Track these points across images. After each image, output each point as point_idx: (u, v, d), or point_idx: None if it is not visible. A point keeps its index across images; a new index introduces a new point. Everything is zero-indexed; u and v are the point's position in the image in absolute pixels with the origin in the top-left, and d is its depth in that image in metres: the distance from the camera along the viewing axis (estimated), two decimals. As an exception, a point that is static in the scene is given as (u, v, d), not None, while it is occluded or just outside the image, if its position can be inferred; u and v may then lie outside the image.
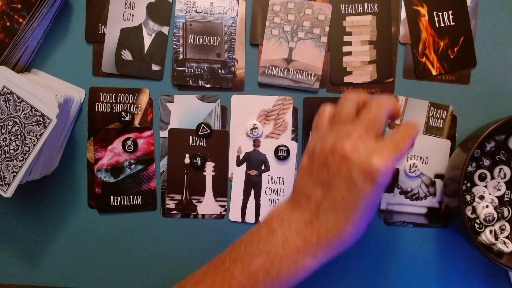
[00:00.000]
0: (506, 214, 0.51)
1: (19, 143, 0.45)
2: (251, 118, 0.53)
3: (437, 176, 0.53)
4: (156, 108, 0.54)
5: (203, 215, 0.54)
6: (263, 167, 0.54)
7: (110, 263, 0.55)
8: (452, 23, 0.52)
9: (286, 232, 0.39)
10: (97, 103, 0.53)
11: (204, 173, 0.54)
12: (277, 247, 0.39)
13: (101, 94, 0.53)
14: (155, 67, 0.53)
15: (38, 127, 0.45)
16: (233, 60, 0.53)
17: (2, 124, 0.46)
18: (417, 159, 0.53)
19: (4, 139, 0.46)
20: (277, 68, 0.52)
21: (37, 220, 0.55)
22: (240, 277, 0.39)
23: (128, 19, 0.53)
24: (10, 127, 0.46)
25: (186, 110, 0.54)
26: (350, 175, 0.37)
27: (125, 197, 0.54)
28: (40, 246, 0.55)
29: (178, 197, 0.54)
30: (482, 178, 0.51)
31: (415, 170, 0.52)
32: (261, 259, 0.39)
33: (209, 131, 0.53)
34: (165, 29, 0.53)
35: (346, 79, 0.53)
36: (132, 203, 0.54)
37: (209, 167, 0.54)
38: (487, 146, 0.50)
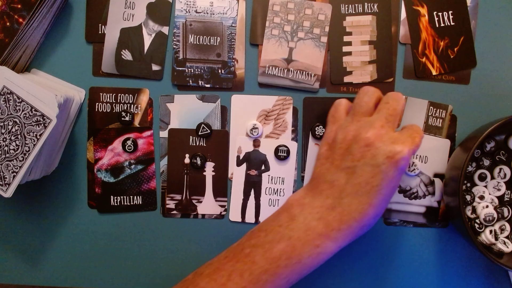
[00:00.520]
0: (506, 214, 0.51)
1: (19, 143, 0.45)
2: (251, 118, 0.53)
3: (436, 175, 0.53)
4: (156, 108, 0.54)
5: (203, 215, 0.54)
6: (263, 167, 0.54)
7: (110, 263, 0.55)
8: (452, 23, 0.52)
9: (308, 217, 0.40)
10: (97, 103, 0.53)
11: (204, 173, 0.54)
12: (299, 232, 0.39)
13: (101, 94, 0.53)
14: (155, 67, 0.53)
15: (38, 127, 0.45)
16: (233, 60, 0.53)
17: (2, 124, 0.46)
18: (416, 158, 0.53)
19: (4, 139, 0.46)
20: (277, 68, 0.52)
21: (37, 220, 0.55)
22: (261, 263, 0.40)
23: (128, 19, 0.53)
24: (10, 127, 0.46)
25: (186, 110, 0.54)
26: (376, 160, 0.39)
27: (125, 197, 0.54)
28: (40, 246, 0.55)
29: (178, 197, 0.54)
30: (482, 178, 0.51)
31: (414, 169, 0.52)
32: (283, 244, 0.39)
33: (209, 131, 0.53)
34: (165, 29, 0.53)
35: (346, 79, 0.53)
36: (132, 203, 0.54)
37: (209, 167, 0.54)
38: (487, 146, 0.50)
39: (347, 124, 0.43)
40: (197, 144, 0.54)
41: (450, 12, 0.52)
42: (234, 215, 0.54)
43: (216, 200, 0.54)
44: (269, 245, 0.40)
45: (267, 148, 0.53)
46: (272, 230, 0.41)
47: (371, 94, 0.44)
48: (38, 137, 0.45)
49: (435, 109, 0.52)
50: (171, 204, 0.54)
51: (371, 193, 0.39)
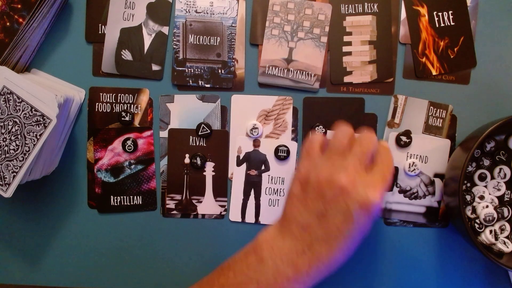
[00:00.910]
0: (506, 214, 0.51)
1: (19, 143, 0.45)
2: (251, 118, 0.53)
3: (436, 175, 0.53)
4: (156, 108, 0.54)
5: (203, 215, 0.54)
6: (263, 167, 0.54)
7: (110, 263, 0.55)
8: (452, 23, 0.52)
9: (277, 261, 0.40)
10: (97, 103, 0.53)
11: (204, 173, 0.54)
12: (267, 276, 0.39)
13: (101, 94, 0.53)
14: (155, 67, 0.53)
15: (38, 127, 0.45)
16: (233, 60, 0.53)
17: (2, 124, 0.46)
18: (416, 158, 0.53)
19: (4, 139, 0.46)
20: (277, 68, 0.52)
21: (37, 220, 0.55)
22: None
23: (128, 19, 0.53)
24: (10, 127, 0.46)
25: (186, 110, 0.54)
26: (348, 207, 0.38)
27: (125, 197, 0.54)
28: (40, 246, 0.55)
29: (178, 197, 0.54)
30: (482, 178, 0.51)
31: (414, 169, 0.52)
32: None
33: (209, 131, 0.53)
34: (165, 29, 0.53)
35: (346, 79, 0.53)
36: (132, 203, 0.54)
37: (209, 167, 0.54)
38: (487, 146, 0.50)
39: (321, 164, 0.41)
40: (197, 144, 0.54)
41: (450, 12, 0.52)
42: (234, 215, 0.54)
43: (216, 200, 0.54)
44: (238, 287, 0.40)
45: (267, 148, 0.53)
46: (241, 272, 0.41)
47: (346, 133, 0.43)
48: (38, 137, 0.45)
49: (435, 109, 0.52)
50: (171, 204, 0.54)
51: (341, 238, 0.39)
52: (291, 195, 0.42)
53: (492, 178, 0.51)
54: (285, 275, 0.39)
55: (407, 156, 0.53)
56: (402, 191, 0.53)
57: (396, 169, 0.53)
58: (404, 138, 0.52)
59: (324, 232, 0.39)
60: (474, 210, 0.51)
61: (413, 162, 0.52)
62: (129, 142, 0.53)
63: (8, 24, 0.48)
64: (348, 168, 0.40)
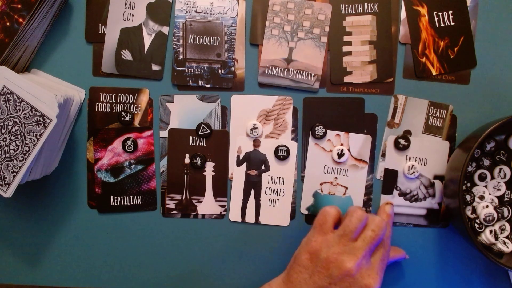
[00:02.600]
0: (506, 214, 0.51)
1: (19, 143, 0.45)
2: (251, 118, 0.53)
3: (436, 177, 0.53)
4: (156, 108, 0.54)
5: (203, 215, 0.54)
6: (263, 167, 0.54)
7: (110, 263, 0.55)
8: (452, 23, 0.52)
9: None
10: (97, 103, 0.53)
11: (204, 173, 0.54)
12: None
13: (101, 94, 0.53)
14: (155, 67, 0.53)
15: (38, 127, 0.45)
16: (233, 60, 0.53)
17: (2, 124, 0.46)
18: (415, 160, 0.53)
19: (4, 139, 0.46)
20: (277, 68, 0.52)
21: (37, 220, 0.55)
22: None
23: (128, 19, 0.53)
24: (10, 127, 0.46)
25: (186, 110, 0.54)
26: None
27: (125, 197, 0.54)
28: (40, 246, 0.55)
29: (178, 197, 0.54)
30: (482, 178, 0.51)
31: (414, 172, 0.52)
32: None
33: (209, 131, 0.53)
34: (165, 29, 0.53)
35: (346, 79, 0.53)
36: (132, 203, 0.54)
37: (209, 167, 0.54)
38: (487, 146, 0.50)
39: (333, 242, 0.45)
40: (197, 144, 0.54)
41: (450, 12, 0.52)
42: (234, 215, 0.54)
43: (216, 200, 0.54)
44: None
45: (267, 148, 0.53)
46: None
47: (360, 217, 0.46)
48: (38, 137, 0.45)
49: (435, 109, 0.52)
50: (171, 204, 0.54)
51: None
52: (299, 262, 0.46)
53: (492, 178, 0.51)
54: None
55: (406, 159, 0.53)
56: (402, 194, 0.53)
57: (396, 172, 0.53)
58: (402, 141, 0.52)
59: None
60: (474, 210, 0.51)
61: (413, 165, 0.52)
62: (129, 142, 0.53)
63: (8, 24, 0.48)
64: (357, 254, 0.43)
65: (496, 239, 0.50)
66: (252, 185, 0.54)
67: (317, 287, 0.44)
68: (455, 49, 0.52)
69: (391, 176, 0.53)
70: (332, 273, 0.43)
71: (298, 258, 0.46)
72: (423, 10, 0.52)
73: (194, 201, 0.54)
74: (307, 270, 0.45)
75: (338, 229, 0.46)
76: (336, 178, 0.53)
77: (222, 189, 0.54)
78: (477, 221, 0.50)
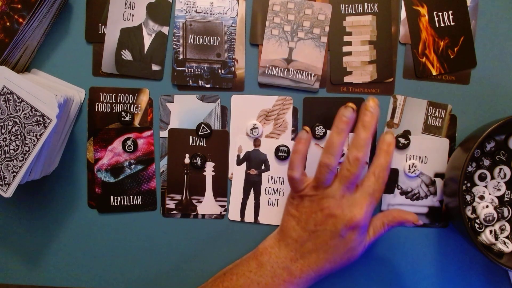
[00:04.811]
0: (506, 214, 0.51)
1: (19, 143, 0.45)
2: (251, 118, 0.53)
3: (437, 175, 0.53)
4: (156, 108, 0.54)
5: (203, 215, 0.54)
6: (263, 167, 0.54)
7: (110, 263, 0.55)
8: (452, 23, 0.52)
9: (275, 266, 0.47)
10: (97, 103, 0.53)
11: (204, 173, 0.54)
12: (266, 278, 0.46)
13: (101, 94, 0.53)
14: (155, 67, 0.53)
15: (38, 127, 0.45)
16: (233, 60, 0.53)
17: (2, 124, 0.46)
18: (416, 159, 0.53)
19: (4, 139, 0.46)
20: (277, 68, 0.52)
21: (37, 220, 0.55)
22: None
23: (128, 19, 0.53)
24: (10, 127, 0.46)
25: (186, 110, 0.54)
26: (335, 227, 0.45)
27: (125, 197, 0.54)
28: (40, 246, 0.55)
29: (178, 197, 0.54)
30: (482, 178, 0.51)
31: (414, 170, 0.52)
32: None
33: (209, 131, 0.53)
34: (165, 29, 0.53)
35: (346, 79, 0.53)
36: (132, 203, 0.54)
37: (209, 167, 0.54)
38: (487, 146, 0.50)
39: (312, 192, 0.47)
40: (197, 144, 0.54)
41: (450, 12, 0.52)
42: (234, 214, 0.54)
43: (216, 200, 0.54)
44: None
45: (267, 148, 0.53)
46: (243, 275, 0.47)
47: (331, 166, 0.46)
48: (38, 137, 0.45)
49: (434, 109, 0.52)
50: (171, 204, 0.54)
51: (329, 251, 0.46)
52: (287, 212, 0.48)
53: (492, 178, 0.51)
54: (282, 278, 0.46)
55: (407, 158, 0.53)
56: (404, 193, 0.53)
57: (396, 171, 0.53)
58: (402, 140, 0.52)
59: (314, 245, 0.46)
60: (474, 210, 0.51)
61: (413, 163, 0.52)
62: (129, 142, 0.53)
63: (8, 24, 0.48)
64: (335, 195, 0.45)
65: (496, 239, 0.50)
66: (252, 184, 0.54)
67: (305, 231, 0.46)
68: (455, 49, 0.52)
69: (392, 175, 0.53)
70: (316, 217, 0.46)
71: (286, 210, 0.49)
72: (423, 10, 0.52)
73: (194, 201, 0.54)
74: (294, 218, 0.47)
75: (314, 179, 0.47)
76: (336, 178, 0.53)
77: (222, 189, 0.54)
78: (477, 221, 0.50)
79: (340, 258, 0.46)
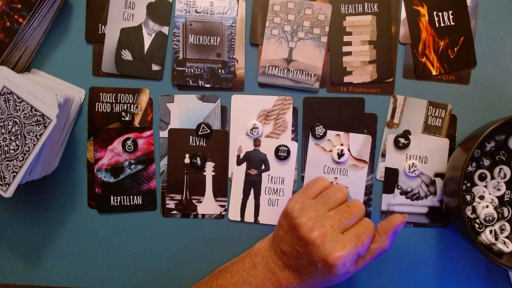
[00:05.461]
0: (506, 214, 0.51)
1: (19, 143, 0.45)
2: (251, 118, 0.53)
3: (437, 175, 0.53)
4: (156, 108, 0.54)
5: (203, 215, 0.54)
6: (263, 167, 0.54)
7: (110, 263, 0.55)
8: (452, 23, 0.52)
9: (266, 269, 0.47)
10: (97, 103, 0.53)
11: (204, 173, 0.54)
12: (258, 279, 0.47)
13: (101, 94, 0.53)
14: (155, 67, 0.53)
15: (38, 127, 0.45)
16: (233, 60, 0.53)
17: (2, 124, 0.46)
18: (416, 159, 0.53)
19: (4, 139, 0.46)
20: (277, 68, 0.52)
21: (37, 220, 0.55)
22: None
23: (128, 19, 0.53)
24: (10, 127, 0.46)
25: (186, 110, 0.54)
26: (312, 257, 0.43)
27: (125, 197, 0.54)
28: (40, 246, 0.55)
29: (178, 197, 0.54)
30: (482, 178, 0.51)
31: (414, 170, 0.52)
32: (244, 287, 0.47)
33: (209, 131, 0.53)
34: (165, 29, 0.53)
35: (346, 79, 0.53)
36: (132, 203, 0.54)
37: (209, 167, 0.54)
38: (487, 146, 0.50)
39: (307, 207, 0.45)
40: (197, 144, 0.54)
41: (450, 12, 0.52)
42: (233, 214, 0.54)
43: (216, 200, 0.54)
44: (233, 287, 0.47)
45: (267, 148, 0.53)
46: (237, 273, 0.47)
47: (344, 192, 0.46)
48: (38, 137, 0.45)
49: (434, 108, 0.52)
50: (171, 204, 0.54)
51: (310, 273, 0.44)
52: (279, 220, 0.47)
53: (492, 178, 0.51)
54: (271, 281, 0.46)
55: (407, 157, 0.53)
56: (404, 193, 0.53)
57: (396, 171, 0.53)
58: (402, 140, 0.52)
59: (296, 264, 0.45)
60: (474, 210, 0.51)
61: (413, 163, 0.52)
62: (129, 142, 0.53)
63: (8, 24, 0.48)
64: (325, 223, 0.43)
65: (496, 239, 0.50)
66: (252, 184, 0.54)
67: (290, 247, 0.45)
68: (455, 49, 0.52)
69: (392, 175, 0.53)
70: (298, 235, 0.44)
71: (280, 216, 0.48)
72: (423, 10, 0.52)
73: (194, 201, 0.54)
74: (282, 228, 0.46)
75: (319, 195, 0.47)
76: (336, 178, 0.53)
77: (222, 189, 0.54)
78: (477, 221, 0.50)
79: (321, 283, 0.45)
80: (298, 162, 0.53)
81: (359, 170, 0.53)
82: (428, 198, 0.53)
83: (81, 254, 0.55)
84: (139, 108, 0.53)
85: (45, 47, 0.53)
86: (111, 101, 0.53)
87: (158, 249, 0.54)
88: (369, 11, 0.52)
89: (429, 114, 0.53)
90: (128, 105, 0.53)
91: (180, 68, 0.53)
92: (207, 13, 0.52)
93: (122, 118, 0.53)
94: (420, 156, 0.53)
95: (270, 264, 0.47)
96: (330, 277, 0.44)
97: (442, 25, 0.52)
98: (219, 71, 0.53)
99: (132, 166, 0.54)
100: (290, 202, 0.47)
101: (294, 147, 0.53)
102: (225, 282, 0.47)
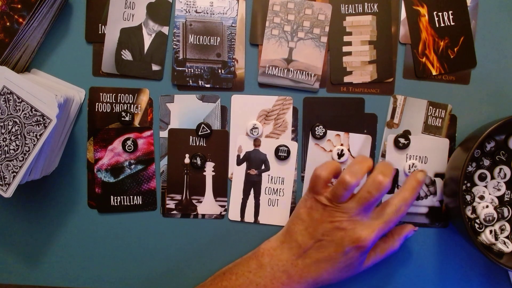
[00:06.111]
0: (506, 214, 0.51)
1: (19, 143, 0.45)
2: (251, 118, 0.53)
3: (437, 175, 0.53)
4: (156, 108, 0.54)
5: (203, 215, 0.54)
6: (263, 167, 0.54)
7: (110, 263, 0.55)
8: (452, 23, 0.52)
9: (275, 268, 0.47)
10: (97, 103, 0.53)
11: (204, 173, 0.54)
12: (265, 280, 0.46)
13: (101, 94, 0.53)
14: (155, 67, 0.53)
15: (38, 127, 0.45)
16: (233, 60, 0.53)
17: (2, 124, 0.46)
18: (416, 158, 0.53)
19: (4, 139, 0.46)
20: (277, 68, 0.52)
21: (37, 220, 0.55)
22: None
23: (128, 19, 0.53)
24: (10, 127, 0.46)
25: (186, 110, 0.54)
26: (342, 242, 0.45)
27: (125, 197, 0.54)
28: (40, 246, 0.55)
29: (178, 197, 0.54)
30: (482, 178, 0.51)
31: (414, 170, 0.52)
32: None
33: (209, 131, 0.53)
34: (165, 29, 0.53)
35: (346, 79, 0.53)
36: (132, 203, 0.54)
37: (209, 167, 0.54)
38: (487, 146, 0.50)
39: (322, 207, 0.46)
40: (197, 144, 0.54)
41: (450, 12, 0.52)
42: (233, 214, 0.54)
43: (216, 200, 0.54)
44: None
45: (267, 148, 0.53)
46: (242, 275, 0.47)
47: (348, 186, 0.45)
48: (38, 137, 0.45)
49: (434, 108, 0.52)
50: (171, 204, 0.54)
51: (330, 262, 0.46)
52: (298, 215, 0.48)
53: (492, 178, 0.51)
54: (280, 281, 0.46)
55: (407, 158, 0.53)
56: (402, 192, 0.53)
57: (396, 171, 0.53)
58: (402, 140, 0.52)
59: (316, 254, 0.46)
60: (474, 210, 0.51)
61: (413, 163, 0.52)
62: (129, 142, 0.53)
63: (8, 24, 0.48)
64: (350, 212, 0.45)
65: (496, 239, 0.50)
66: (252, 184, 0.54)
67: (312, 239, 0.46)
68: (455, 49, 0.52)
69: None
70: (326, 227, 0.45)
71: (297, 211, 0.48)
72: (423, 10, 0.52)
73: (194, 201, 0.54)
74: (303, 222, 0.47)
75: (331, 192, 0.45)
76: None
77: (222, 189, 0.54)
78: (477, 221, 0.50)
79: (339, 272, 0.46)
80: (298, 162, 0.53)
81: (359, 170, 0.53)
82: (428, 198, 0.53)
83: (81, 254, 0.55)
84: (139, 108, 0.54)
85: (45, 47, 0.53)
86: (111, 101, 0.53)
87: (158, 249, 0.54)
88: (369, 11, 0.52)
89: (429, 114, 0.53)
90: (128, 105, 0.53)
91: (180, 68, 0.53)
92: (207, 13, 0.52)
93: (122, 118, 0.53)
94: (420, 156, 0.53)
95: (281, 262, 0.47)
96: (356, 258, 0.45)
97: (442, 25, 0.52)
98: (219, 71, 0.53)
99: (132, 166, 0.54)
100: (306, 201, 0.47)
101: (294, 147, 0.53)
102: (230, 284, 0.47)
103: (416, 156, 0.53)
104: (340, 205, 0.45)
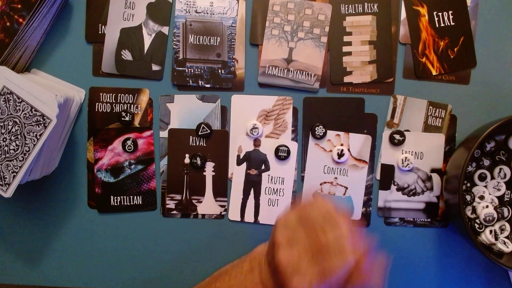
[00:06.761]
0: (506, 214, 0.51)
1: (19, 143, 0.45)
2: (251, 118, 0.53)
3: (433, 170, 0.53)
4: (156, 108, 0.54)
5: (203, 215, 0.54)
6: (263, 167, 0.54)
7: (109, 263, 0.55)
8: (452, 23, 0.52)
9: (261, 273, 0.46)
10: (97, 103, 0.53)
11: (204, 173, 0.54)
12: (252, 284, 0.46)
13: (101, 94, 0.53)
14: (155, 67, 0.53)
15: (38, 127, 0.45)
16: (233, 60, 0.53)
17: (2, 124, 0.46)
18: (410, 153, 0.52)
19: (4, 139, 0.46)
20: (277, 68, 0.52)
21: (37, 220, 0.55)
22: None
23: (128, 19, 0.53)
24: (10, 127, 0.46)
25: (186, 110, 0.54)
26: (282, 278, 0.41)
27: (125, 197, 0.54)
28: (40, 246, 0.55)
29: (178, 197, 0.54)
30: (482, 178, 0.51)
31: (408, 164, 0.52)
32: None
33: (209, 131, 0.53)
34: (165, 29, 0.53)
35: (346, 79, 0.53)
36: (132, 203, 0.54)
37: (209, 167, 0.54)
38: (487, 146, 0.50)
39: (298, 230, 0.42)
40: (197, 144, 0.54)
41: (450, 12, 0.52)
42: (233, 214, 0.54)
43: (216, 200, 0.54)
44: None
45: (267, 148, 0.53)
46: (235, 277, 0.47)
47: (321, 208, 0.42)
48: (38, 137, 0.45)
49: (434, 108, 0.52)
50: (171, 204, 0.54)
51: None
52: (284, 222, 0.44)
53: (492, 178, 0.51)
54: (266, 286, 0.45)
55: (402, 154, 0.53)
56: (400, 189, 0.53)
57: (392, 167, 0.53)
58: (397, 136, 0.52)
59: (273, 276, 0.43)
60: (474, 210, 0.51)
61: (406, 157, 0.52)
62: (129, 142, 0.53)
63: (8, 24, 0.48)
64: (298, 245, 0.41)
65: (496, 239, 0.50)
66: (252, 184, 0.54)
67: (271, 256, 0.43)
68: (455, 49, 0.52)
69: (387, 172, 0.53)
70: (272, 253, 0.43)
71: (275, 232, 0.44)
72: (423, 10, 0.52)
73: (194, 201, 0.54)
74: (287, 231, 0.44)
75: (320, 219, 0.41)
76: (336, 178, 0.53)
77: (222, 189, 0.54)
78: (477, 221, 0.50)
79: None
80: (298, 162, 0.53)
81: (359, 170, 0.53)
82: (425, 193, 0.53)
83: (81, 254, 0.55)
84: (139, 108, 0.53)
85: (45, 47, 0.53)
86: (111, 101, 0.53)
87: (158, 249, 0.54)
88: (369, 11, 0.52)
89: (429, 114, 0.53)
90: (128, 105, 0.53)
91: (180, 68, 0.53)
92: (207, 13, 0.52)
93: (122, 118, 0.53)
94: (416, 152, 0.53)
95: (263, 270, 0.45)
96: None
97: (442, 25, 0.52)
98: (219, 71, 0.53)
99: (132, 166, 0.54)
100: (291, 213, 0.43)
101: (294, 147, 0.53)
102: (223, 285, 0.47)
103: (412, 152, 0.53)
104: (312, 237, 0.41)
